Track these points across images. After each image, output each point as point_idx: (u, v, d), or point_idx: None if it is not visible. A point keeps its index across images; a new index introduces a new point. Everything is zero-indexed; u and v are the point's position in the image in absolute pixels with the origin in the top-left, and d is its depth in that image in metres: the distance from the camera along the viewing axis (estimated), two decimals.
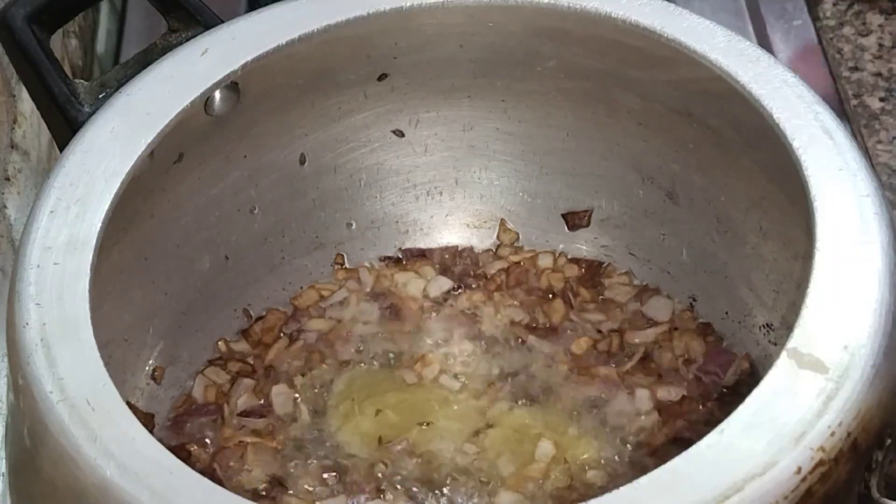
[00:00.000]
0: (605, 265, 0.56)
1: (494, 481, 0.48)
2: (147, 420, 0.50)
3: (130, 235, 0.47)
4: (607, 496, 0.34)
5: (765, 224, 0.50)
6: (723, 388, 0.51)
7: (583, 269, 0.56)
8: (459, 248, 0.57)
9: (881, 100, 0.68)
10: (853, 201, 0.41)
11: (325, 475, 0.49)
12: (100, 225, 0.43)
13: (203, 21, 0.50)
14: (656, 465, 0.35)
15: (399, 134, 0.56)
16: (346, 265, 0.57)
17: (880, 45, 0.71)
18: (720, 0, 0.76)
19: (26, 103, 0.61)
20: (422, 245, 0.58)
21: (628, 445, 0.49)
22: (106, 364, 0.39)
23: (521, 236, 0.58)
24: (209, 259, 0.53)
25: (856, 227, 0.40)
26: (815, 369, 0.37)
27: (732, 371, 0.51)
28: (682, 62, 0.47)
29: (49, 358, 0.39)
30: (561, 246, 0.57)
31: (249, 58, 0.48)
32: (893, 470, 0.37)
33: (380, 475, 0.49)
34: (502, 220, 0.58)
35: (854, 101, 0.68)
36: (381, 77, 0.53)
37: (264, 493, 0.48)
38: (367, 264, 0.57)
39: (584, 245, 0.57)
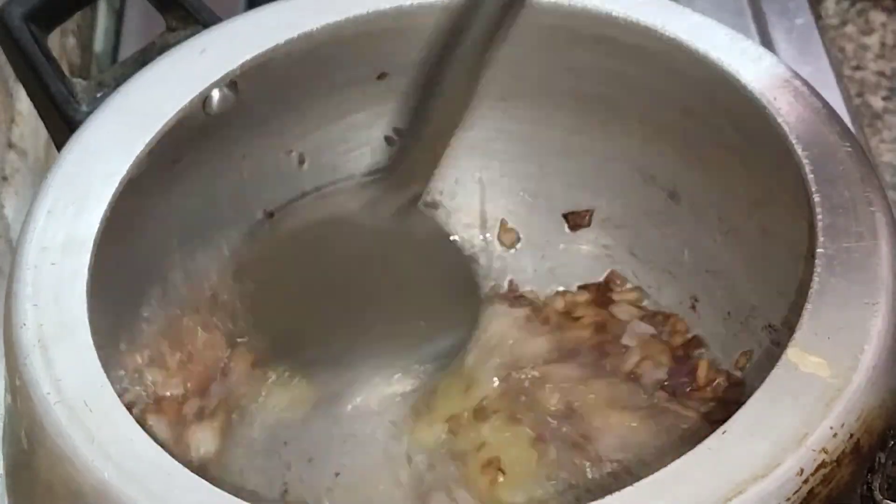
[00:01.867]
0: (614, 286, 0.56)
1: None
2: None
3: (128, 235, 0.47)
4: (608, 497, 0.34)
5: (767, 224, 0.49)
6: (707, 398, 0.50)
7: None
8: None
9: (884, 98, 0.68)
10: (856, 201, 0.41)
11: None
12: (98, 225, 0.42)
13: (202, 20, 0.50)
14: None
15: (399, 133, 0.56)
16: None
17: (883, 44, 0.71)
18: None
19: (24, 102, 0.61)
20: None
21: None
22: (103, 365, 0.38)
23: (521, 236, 0.57)
24: (208, 259, 0.53)
25: (858, 226, 0.40)
26: (817, 370, 0.36)
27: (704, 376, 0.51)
28: (683, 61, 0.47)
29: (46, 359, 0.38)
30: (562, 246, 0.57)
31: (248, 57, 0.48)
32: None
33: None
34: (502, 220, 0.58)
35: (857, 100, 0.68)
36: (381, 76, 0.53)
37: None
38: None
39: (584, 245, 0.56)
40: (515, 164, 0.57)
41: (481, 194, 0.58)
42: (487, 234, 0.58)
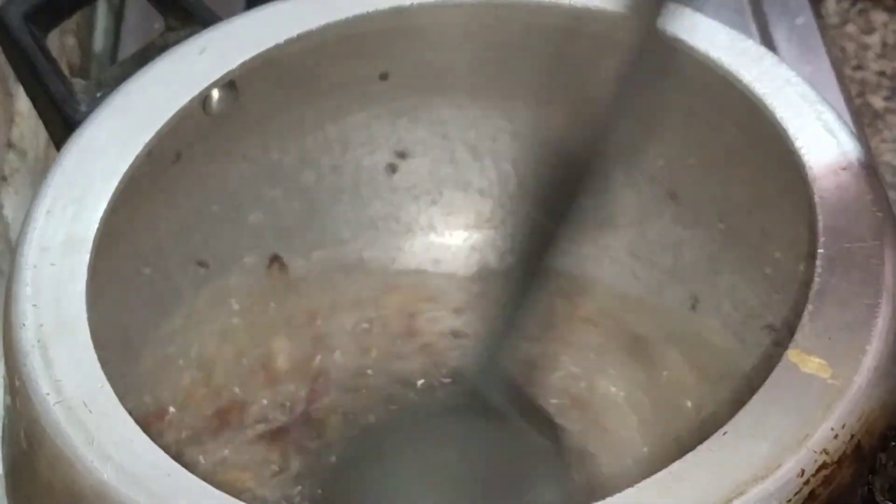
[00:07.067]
0: None
1: None
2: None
3: (128, 235, 0.47)
4: (608, 499, 0.34)
5: (767, 224, 0.49)
6: None
7: None
8: None
9: (885, 98, 0.68)
10: (856, 201, 0.41)
11: None
12: (97, 225, 0.42)
13: (201, 19, 0.50)
14: None
15: (399, 134, 0.56)
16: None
17: (884, 44, 0.71)
18: None
19: (23, 102, 0.61)
20: (421, 245, 0.58)
21: None
22: (103, 365, 0.38)
23: None
24: (208, 259, 0.53)
25: (859, 227, 0.40)
26: (817, 371, 0.36)
27: None
28: (683, 61, 0.47)
29: (46, 359, 0.38)
30: None
31: (248, 56, 0.48)
32: None
33: None
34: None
35: (857, 100, 0.68)
36: (382, 77, 0.53)
37: None
38: None
39: (584, 246, 0.56)
40: (515, 164, 0.57)
41: (480, 194, 0.58)
42: (487, 231, 0.58)
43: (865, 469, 0.36)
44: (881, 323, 0.38)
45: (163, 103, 0.46)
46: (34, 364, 0.38)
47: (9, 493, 0.42)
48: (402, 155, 0.56)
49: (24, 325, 0.39)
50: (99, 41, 0.77)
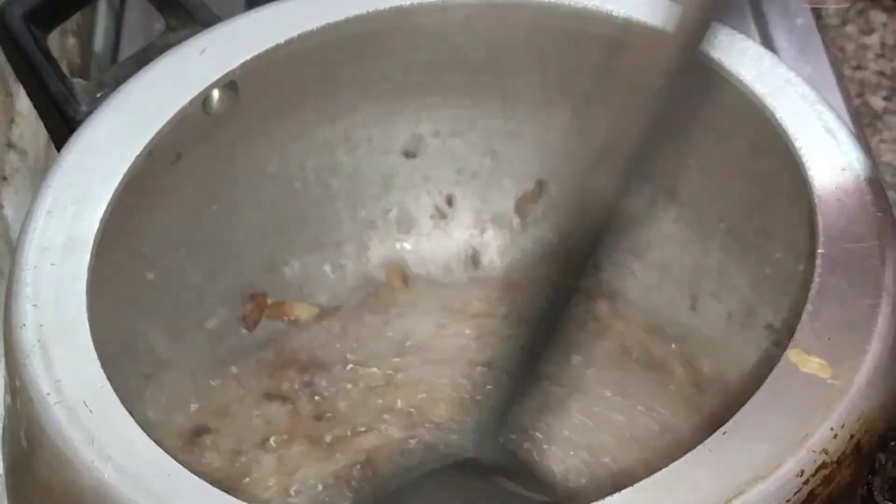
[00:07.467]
0: None
1: None
2: None
3: (128, 236, 0.47)
4: (608, 498, 0.34)
5: (767, 224, 0.49)
6: None
7: None
8: None
9: (884, 98, 0.68)
10: (856, 201, 0.41)
11: None
12: (97, 225, 0.42)
13: (201, 20, 0.50)
14: None
15: (400, 135, 0.56)
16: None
17: (883, 44, 0.71)
18: None
19: (24, 102, 0.61)
20: (423, 245, 0.58)
21: None
22: (103, 366, 0.38)
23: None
24: (208, 260, 0.53)
25: (859, 227, 0.40)
26: (817, 371, 0.36)
27: None
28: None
29: (46, 359, 0.38)
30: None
31: (248, 57, 0.48)
32: None
33: None
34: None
35: (857, 101, 0.68)
36: (382, 78, 0.53)
37: None
38: None
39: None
40: (515, 164, 0.57)
41: (481, 193, 0.58)
42: (487, 233, 0.58)
43: (865, 469, 0.37)
44: (881, 323, 0.38)
45: (163, 103, 0.46)
46: (34, 364, 0.38)
47: (9, 493, 0.42)
48: (405, 155, 0.56)
49: (24, 325, 0.39)
50: (99, 41, 0.77)
